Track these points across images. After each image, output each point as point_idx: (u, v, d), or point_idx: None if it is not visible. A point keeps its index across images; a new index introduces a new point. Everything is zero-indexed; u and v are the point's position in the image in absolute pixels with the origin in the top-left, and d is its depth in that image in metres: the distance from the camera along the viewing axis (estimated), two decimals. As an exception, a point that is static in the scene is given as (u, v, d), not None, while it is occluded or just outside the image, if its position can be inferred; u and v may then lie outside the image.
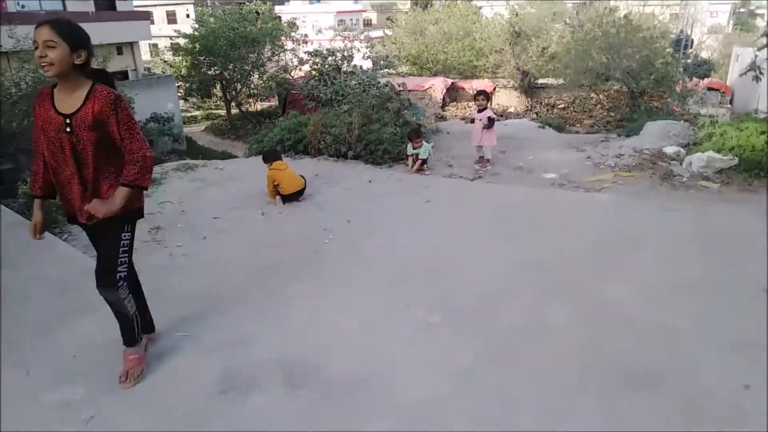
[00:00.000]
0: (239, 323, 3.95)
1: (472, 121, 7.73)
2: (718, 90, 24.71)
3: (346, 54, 30.85)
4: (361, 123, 7.98)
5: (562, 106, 24.67)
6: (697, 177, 6.56)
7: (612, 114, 23.72)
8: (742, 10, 47.84)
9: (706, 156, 6.68)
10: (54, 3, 18.19)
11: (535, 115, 24.89)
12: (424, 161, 7.46)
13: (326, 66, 9.58)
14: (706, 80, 24.64)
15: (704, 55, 30.99)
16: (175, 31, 25.43)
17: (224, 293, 4.37)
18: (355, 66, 31.15)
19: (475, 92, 7.86)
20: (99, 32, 18.96)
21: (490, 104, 27.01)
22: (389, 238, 5.25)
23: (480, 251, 4.88)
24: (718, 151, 6.76)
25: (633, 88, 19.78)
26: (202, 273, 4.71)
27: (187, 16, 25.81)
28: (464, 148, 8.72)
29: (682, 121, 8.89)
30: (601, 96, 23.98)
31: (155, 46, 34.41)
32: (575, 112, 24.36)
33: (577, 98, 24.13)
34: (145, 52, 35.75)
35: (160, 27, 35.53)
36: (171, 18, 37.70)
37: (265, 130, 8.64)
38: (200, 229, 5.58)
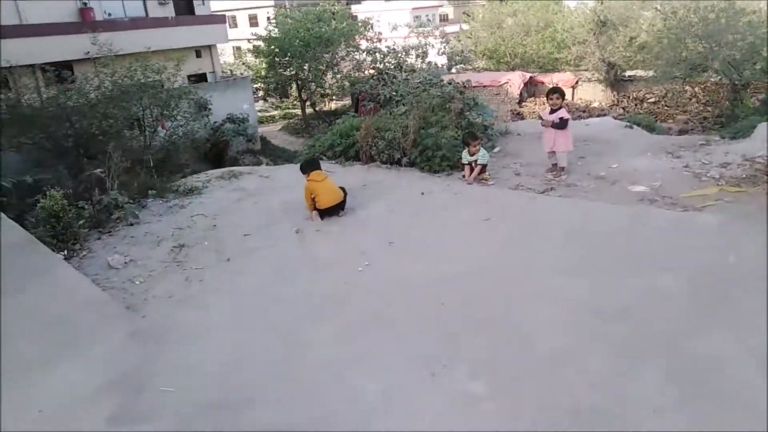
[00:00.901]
0: (242, 375, 3.23)
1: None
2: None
3: (420, 51, 29.79)
4: (417, 126, 7.08)
5: (652, 100, 22.41)
6: (830, 193, 5.12)
7: (709, 109, 21.27)
8: None
9: (844, 166, 5.22)
10: (137, 9, 18.59)
11: (621, 110, 22.81)
12: (484, 167, 6.45)
13: (385, 64, 8.73)
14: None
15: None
16: (253, 34, 25.56)
17: (231, 333, 3.66)
18: (429, 63, 30.08)
19: (549, 89, 6.69)
20: (179, 36, 19.28)
21: (571, 100, 25.14)
22: (434, 267, 4.33)
23: (546, 291, 3.86)
24: None
25: (735, 80, 17.43)
26: (214, 304, 4.03)
27: (268, 18, 25.86)
28: (536, 153, 7.59)
29: (806, 120, 7.25)
30: (696, 89, 21.54)
31: (239, 48, 35.06)
32: (667, 106, 22.06)
33: (669, 92, 21.80)
34: (229, 55, 36.63)
35: (243, 30, 36.19)
36: (253, 21, 38.35)
37: (318, 135, 7.96)
38: (227, 249, 4.93)
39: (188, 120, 16.07)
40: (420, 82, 8.59)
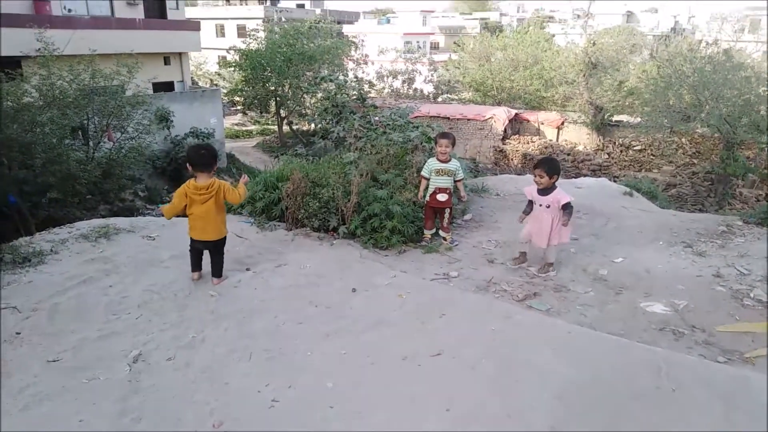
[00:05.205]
0: None
1: (530, 205, 4.69)
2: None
3: (407, 77, 28.01)
4: (364, 184, 5.13)
5: (638, 147, 20.87)
6: None
7: (695, 162, 19.80)
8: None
9: None
10: (102, 7, 16.48)
11: (607, 156, 21.27)
12: (450, 213, 5.08)
13: (343, 95, 6.78)
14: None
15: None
16: (232, 45, 23.60)
17: None
18: (416, 89, 28.24)
19: (536, 161, 4.70)
20: (145, 40, 17.19)
21: (555, 141, 23.64)
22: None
23: None
24: None
25: (728, 136, 15.89)
26: None
27: (247, 33, 24.04)
28: (516, 225, 5.72)
29: None
30: (683, 140, 20.05)
31: (224, 58, 33.13)
32: (653, 155, 20.54)
33: (655, 140, 20.26)
34: (213, 63, 34.62)
35: (230, 39, 34.21)
36: (241, 32, 36.27)
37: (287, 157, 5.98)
38: None
39: (140, 132, 14.00)
40: (380, 120, 6.65)
